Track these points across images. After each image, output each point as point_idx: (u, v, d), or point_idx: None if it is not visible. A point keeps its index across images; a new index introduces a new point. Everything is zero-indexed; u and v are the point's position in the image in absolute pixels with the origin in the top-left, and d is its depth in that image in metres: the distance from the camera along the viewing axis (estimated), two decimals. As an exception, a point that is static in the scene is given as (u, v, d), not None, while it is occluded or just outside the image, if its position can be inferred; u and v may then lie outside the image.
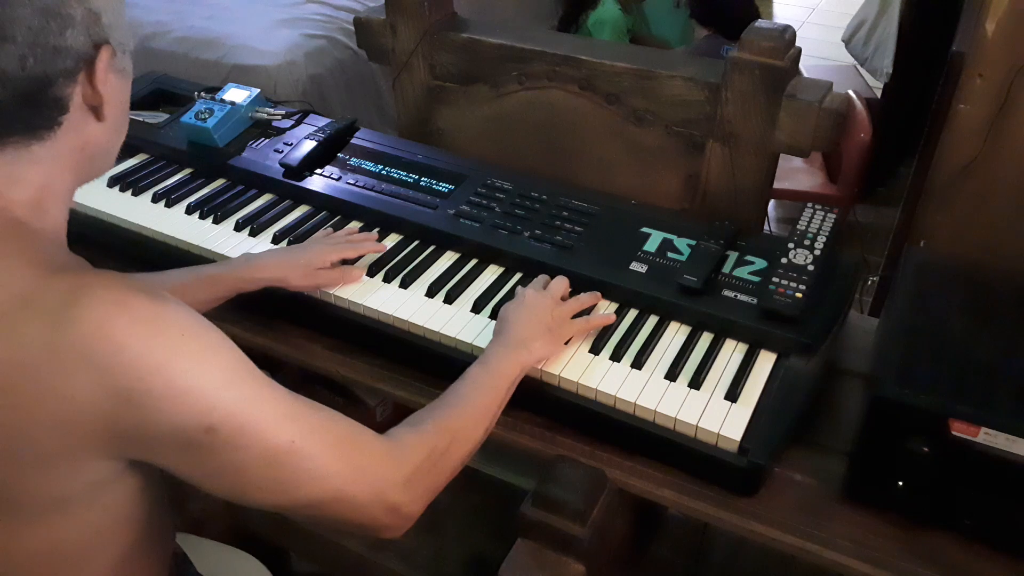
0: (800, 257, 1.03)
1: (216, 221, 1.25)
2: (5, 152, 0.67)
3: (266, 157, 1.34)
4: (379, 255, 1.16)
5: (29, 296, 0.62)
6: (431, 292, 1.10)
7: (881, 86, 2.78)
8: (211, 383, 0.65)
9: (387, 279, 1.13)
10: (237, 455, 0.66)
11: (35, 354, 0.60)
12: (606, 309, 1.08)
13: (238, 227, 1.23)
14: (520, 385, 0.94)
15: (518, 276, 1.13)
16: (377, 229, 1.22)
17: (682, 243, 1.11)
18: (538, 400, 0.98)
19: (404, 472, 0.76)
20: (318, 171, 1.30)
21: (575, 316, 1.02)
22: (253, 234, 1.22)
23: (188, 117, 1.36)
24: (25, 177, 0.68)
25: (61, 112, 0.68)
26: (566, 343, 1.00)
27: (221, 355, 0.67)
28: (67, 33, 0.65)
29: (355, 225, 1.21)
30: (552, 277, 1.10)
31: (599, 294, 1.06)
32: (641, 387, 0.96)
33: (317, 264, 1.08)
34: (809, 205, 1.11)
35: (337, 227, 1.23)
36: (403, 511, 0.76)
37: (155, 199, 1.30)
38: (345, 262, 1.12)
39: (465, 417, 0.85)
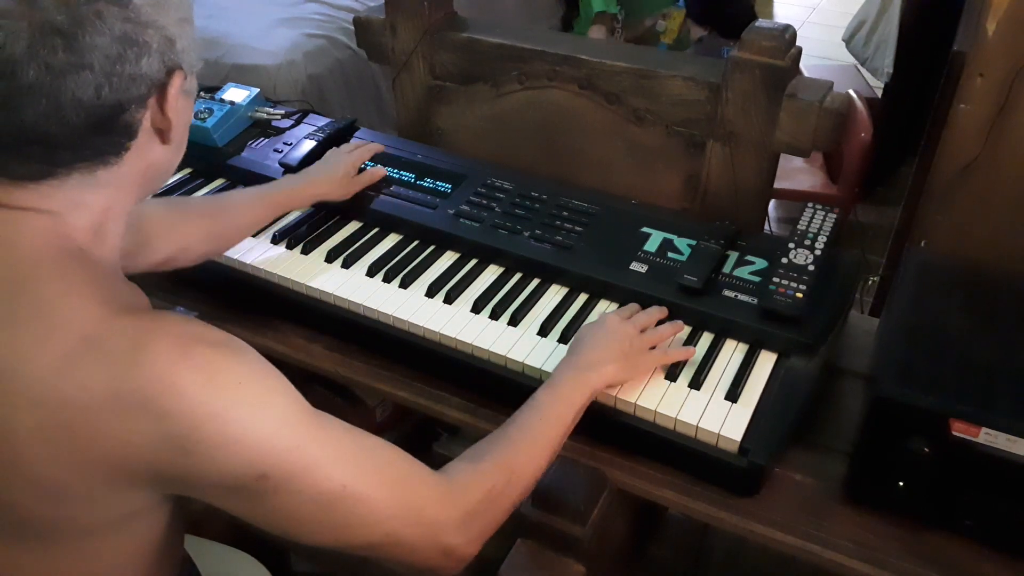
0: (800, 257, 1.03)
1: (216, 221, 1.24)
2: (71, 178, 0.66)
3: (266, 157, 1.33)
4: (377, 254, 1.17)
5: (94, 337, 0.62)
6: (431, 292, 1.10)
7: (882, 86, 2.78)
8: (266, 431, 0.65)
9: (387, 279, 1.13)
10: (289, 499, 0.67)
11: (97, 397, 0.61)
12: (607, 308, 1.08)
13: (238, 227, 1.23)
14: (520, 386, 0.94)
15: (518, 276, 1.13)
16: (377, 229, 1.22)
17: (682, 243, 1.11)
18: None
19: (459, 513, 0.75)
20: (318, 171, 1.29)
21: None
22: (253, 234, 1.21)
23: (188, 117, 1.36)
24: (88, 202, 0.68)
25: (130, 138, 0.67)
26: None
27: (277, 401, 0.67)
28: (143, 61, 0.64)
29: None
30: (553, 278, 1.10)
31: (681, 324, 1.01)
32: (641, 387, 0.95)
33: (352, 173, 1.22)
34: (809, 205, 1.11)
35: (336, 227, 1.23)
36: (457, 553, 0.75)
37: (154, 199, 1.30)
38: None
39: (527, 451, 0.82)
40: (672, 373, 0.97)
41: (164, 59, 0.66)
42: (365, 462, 0.71)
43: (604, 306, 1.08)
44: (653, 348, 0.97)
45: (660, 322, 1.01)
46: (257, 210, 1.14)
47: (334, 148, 1.29)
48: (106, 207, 0.70)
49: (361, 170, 1.26)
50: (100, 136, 0.65)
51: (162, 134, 0.70)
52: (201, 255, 1.08)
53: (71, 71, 0.60)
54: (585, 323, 1.00)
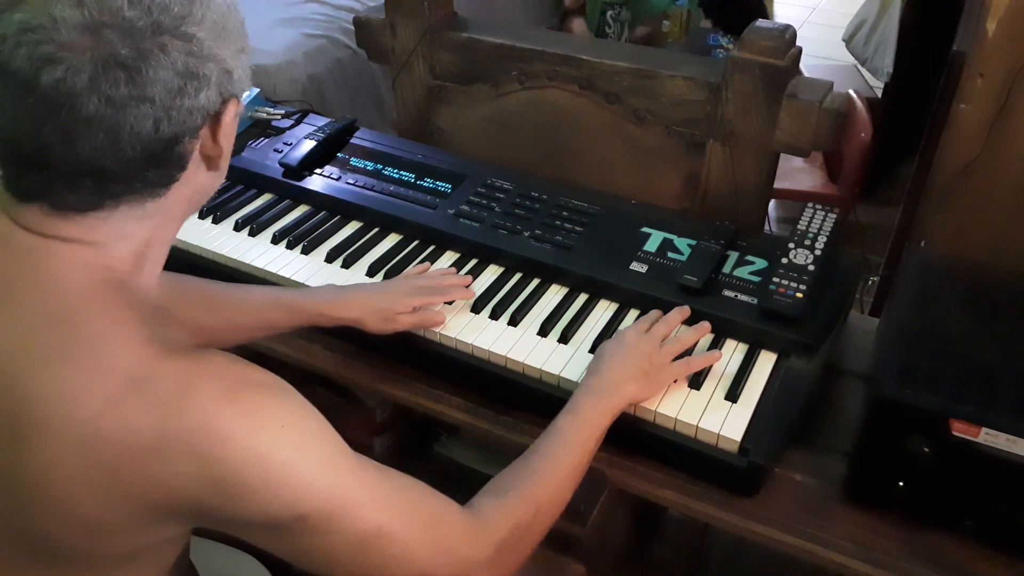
0: (800, 257, 1.03)
1: (215, 221, 1.24)
2: (118, 210, 0.65)
3: (265, 157, 1.33)
4: (377, 254, 1.16)
5: (141, 379, 0.61)
6: (431, 292, 1.10)
7: (882, 86, 2.78)
8: (307, 474, 0.65)
9: (387, 279, 1.13)
10: (325, 539, 0.67)
11: (141, 440, 0.60)
12: (607, 308, 1.08)
13: (237, 227, 1.23)
14: (520, 386, 0.94)
15: (518, 276, 1.13)
16: (377, 229, 1.22)
17: (682, 243, 1.11)
18: (538, 400, 0.98)
19: (489, 551, 0.75)
20: (318, 171, 1.29)
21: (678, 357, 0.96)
22: (252, 234, 1.22)
23: (188, 117, 1.36)
24: (133, 233, 0.67)
25: (182, 169, 0.66)
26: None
27: (318, 444, 0.67)
28: (202, 94, 0.63)
29: (447, 266, 1.15)
30: (553, 278, 1.10)
31: (707, 325, 1.00)
32: (641, 387, 0.95)
33: (397, 310, 1.03)
34: (809, 205, 1.11)
35: (336, 227, 1.23)
36: None
37: (155, 199, 1.29)
38: None
39: (552, 483, 0.82)
40: (672, 373, 0.97)
41: (221, 90, 0.65)
42: (399, 502, 0.71)
43: (604, 306, 1.08)
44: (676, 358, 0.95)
45: (688, 322, 1.00)
46: (271, 314, 1.01)
47: (425, 268, 1.13)
48: (150, 237, 0.69)
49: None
50: (153, 169, 0.64)
51: (211, 161, 0.69)
52: None
53: (132, 104, 0.59)
54: (606, 340, 0.97)
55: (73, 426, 0.60)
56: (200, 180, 0.70)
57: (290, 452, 0.64)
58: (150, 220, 0.68)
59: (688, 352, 0.98)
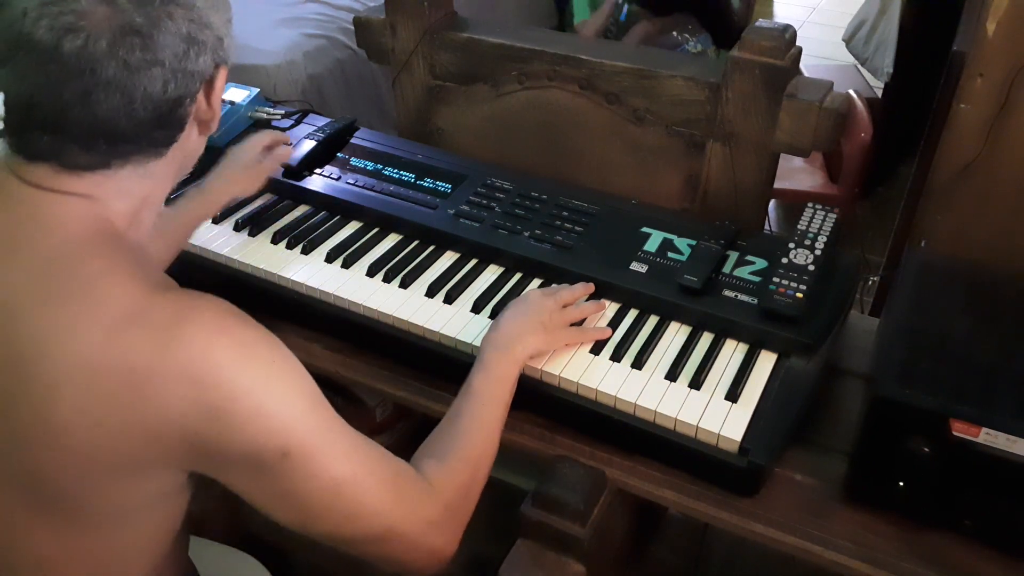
0: (800, 257, 1.03)
1: (215, 221, 1.24)
2: (124, 169, 0.70)
3: (265, 157, 1.33)
4: (376, 254, 1.16)
5: (137, 311, 0.65)
6: (431, 292, 1.10)
7: (882, 86, 2.78)
8: (293, 410, 0.68)
9: (387, 279, 1.13)
10: (305, 482, 0.69)
11: (139, 367, 0.63)
12: (606, 310, 1.07)
13: (237, 227, 1.23)
14: (520, 385, 0.94)
15: (518, 276, 1.13)
16: (377, 229, 1.22)
17: (682, 243, 1.11)
18: (538, 400, 0.98)
19: (440, 512, 0.78)
20: (318, 171, 1.29)
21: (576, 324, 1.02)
22: (252, 234, 1.22)
23: (188, 117, 1.36)
24: (134, 191, 0.72)
25: (181, 130, 0.73)
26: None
27: (303, 385, 0.71)
28: (201, 58, 0.69)
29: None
30: (553, 278, 1.10)
31: (604, 303, 1.06)
32: (641, 387, 0.96)
33: (250, 161, 1.18)
34: (809, 205, 1.11)
35: (336, 227, 1.23)
36: (441, 553, 0.79)
37: (155, 199, 1.30)
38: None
39: (481, 440, 0.86)
40: (672, 373, 0.97)
41: (215, 56, 0.71)
42: (368, 456, 0.74)
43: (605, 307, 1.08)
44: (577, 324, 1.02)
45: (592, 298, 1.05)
46: (185, 232, 1.13)
47: (235, 147, 1.24)
48: (147, 195, 0.74)
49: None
50: (160, 129, 0.70)
51: (203, 124, 0.76)
52: None
53: (145, 67, 0.65)
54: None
55: (73, 357, 0.63)
56: (192, 142, 0.76)
57: (278, 385, 0.68)
58: (150, 179, 0.73)
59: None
